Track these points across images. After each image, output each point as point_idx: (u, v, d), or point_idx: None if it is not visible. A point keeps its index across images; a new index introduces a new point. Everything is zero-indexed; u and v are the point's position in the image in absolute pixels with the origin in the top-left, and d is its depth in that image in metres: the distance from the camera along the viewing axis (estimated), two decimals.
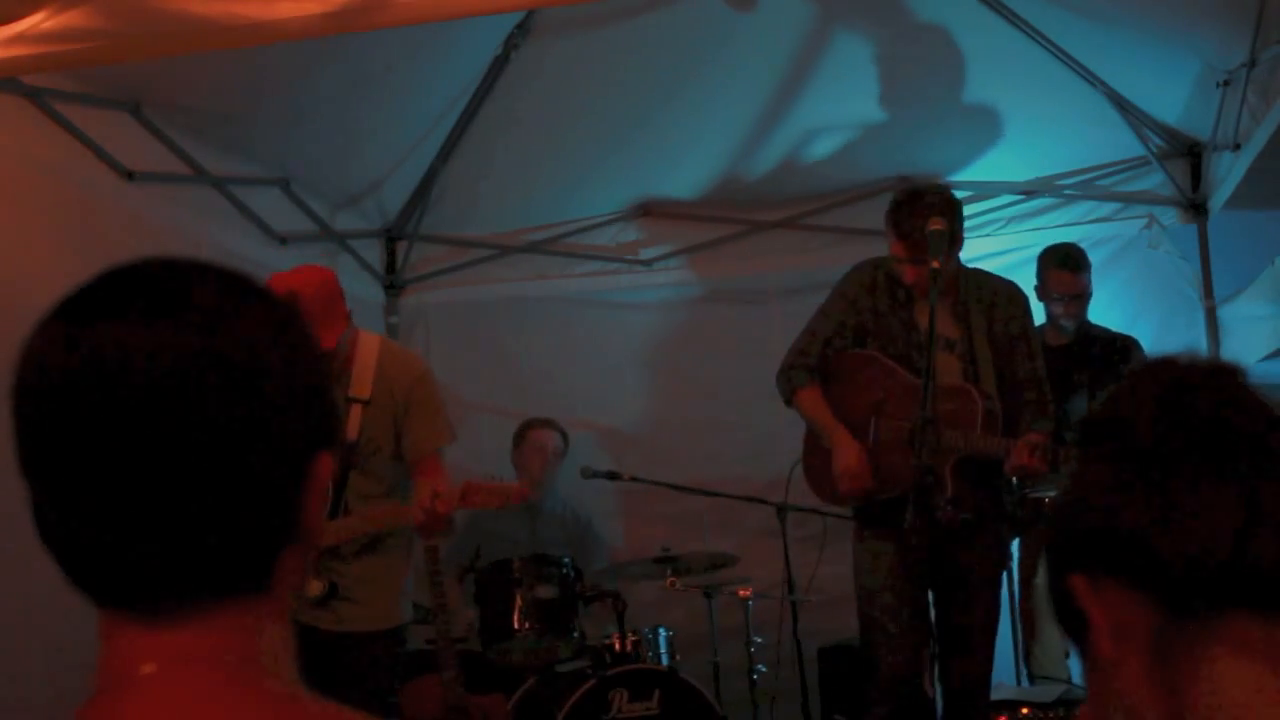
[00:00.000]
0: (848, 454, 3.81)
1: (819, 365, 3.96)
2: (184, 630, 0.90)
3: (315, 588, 3.62)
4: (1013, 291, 3.98)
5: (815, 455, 4.02)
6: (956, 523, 3.59)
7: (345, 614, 3.67)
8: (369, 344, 3.73)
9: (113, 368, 0.86)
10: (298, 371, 0.93)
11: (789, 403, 4.04)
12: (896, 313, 3.87)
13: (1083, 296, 4.80)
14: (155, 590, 0.90)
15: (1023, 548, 4.73)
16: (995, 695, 4.32)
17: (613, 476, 5.11)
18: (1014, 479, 3.94)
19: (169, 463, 0.87)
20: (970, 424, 3.69)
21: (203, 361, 0.87)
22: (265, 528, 0.92)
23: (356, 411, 3.62)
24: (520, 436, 5.45)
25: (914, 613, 3.73)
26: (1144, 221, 5.40)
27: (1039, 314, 4.51)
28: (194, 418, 0.87)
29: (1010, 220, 5.53)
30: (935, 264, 3.56)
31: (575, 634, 4.56)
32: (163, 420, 0.86)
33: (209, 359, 0.87)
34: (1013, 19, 4.68)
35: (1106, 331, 4.93)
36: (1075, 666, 4.79)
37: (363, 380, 3.64)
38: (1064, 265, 4.77)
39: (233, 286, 0.93)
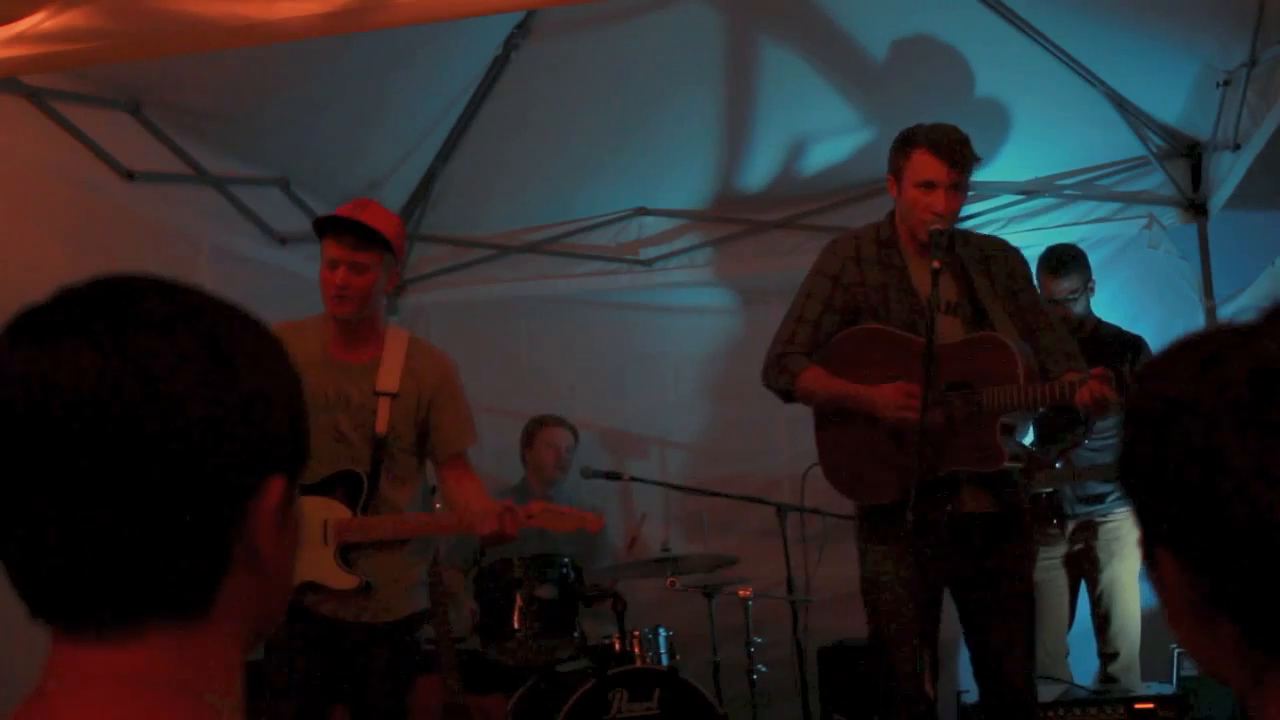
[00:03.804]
0: (886, 390, 3.45)
1: (813, 350, 3.64)
2: (106, 649, 0.90)
3: (349, 581, 3.56)
4: (1003, 245, 3.78)
5: (838, 453, 3.66)
6: (959, 521, 3.49)
7: (367, 605, 3.63)
8: (398, 339, 3.68)
9: (31, 392, 0.87)
10: (231, 396, 0.91)
11: (788, 395, 3.68)
12: (891, 280, 3.59)
13: (1064, 301, 4.71)
14: (79, 609, 0.91)
15: None
16: None
17: (613, 476, 5.10)
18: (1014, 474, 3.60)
19: (80, 488, 0.87)
20: (1011, 377, 3.37)
21: (112, 386, 0.87)
22: (191, 553, 0.91)
23: (385, 405, 3.57)
24: (531, 435, 5.45)
25: (919, 613, 3.43)
26: (1144, 221, 5.39)
27: None
28: (101, 443, 0.87)
29: (1010, 220, 5.52)
30: (936, 264, 3.42)
31: (575, 634, 4.56)
32: (69, 446, 0.87)
33: (120, 384, 0.87)
34: (1013, 19, 4.67)
35: (1117, 329, 4.88)
36: (1075, 666, 4.79)
37: (391, 375, 3.59)
38: (1044, 269, 4.73)
39: (166, 308, 0.92)
